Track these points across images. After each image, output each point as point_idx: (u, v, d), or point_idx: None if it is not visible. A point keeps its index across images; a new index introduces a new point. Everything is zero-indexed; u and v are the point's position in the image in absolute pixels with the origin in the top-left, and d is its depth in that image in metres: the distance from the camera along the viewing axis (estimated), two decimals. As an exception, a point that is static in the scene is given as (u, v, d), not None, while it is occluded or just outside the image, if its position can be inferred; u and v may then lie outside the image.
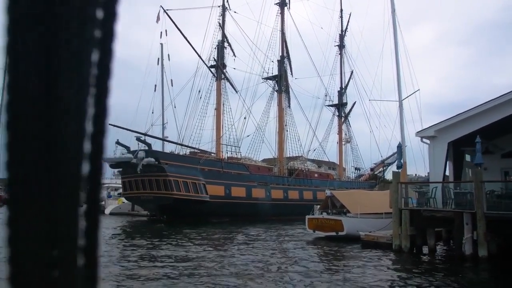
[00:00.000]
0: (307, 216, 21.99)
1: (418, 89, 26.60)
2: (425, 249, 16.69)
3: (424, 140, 17.83)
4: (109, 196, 44.68)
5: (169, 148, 38.85)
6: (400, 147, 17.65)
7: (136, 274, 11.51)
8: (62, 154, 0.51)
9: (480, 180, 14.70)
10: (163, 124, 43.17)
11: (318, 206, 22.85)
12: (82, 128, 0.52)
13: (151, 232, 23.86)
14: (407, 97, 26.94)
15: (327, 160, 54.22)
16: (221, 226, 27.61)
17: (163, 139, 38.08)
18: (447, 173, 18.81)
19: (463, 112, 17.14)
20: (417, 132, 17.92)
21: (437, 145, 17.45)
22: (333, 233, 20.24)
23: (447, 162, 17.82)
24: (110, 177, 67.83)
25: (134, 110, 59.45)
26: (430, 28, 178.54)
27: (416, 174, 56.02)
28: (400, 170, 17.58)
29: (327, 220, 20.90)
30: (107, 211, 39.88)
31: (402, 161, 17.54)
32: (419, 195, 18.09)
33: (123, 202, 40.34)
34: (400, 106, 27.31)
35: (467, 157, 20.60)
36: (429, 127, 17.52)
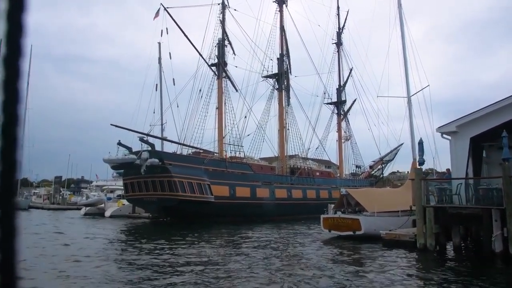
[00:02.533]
0: (322, 216, 21.49)
1: (428, 85, 26.27)
2: (449, 247, 16.37)
3: (445, 136, 17.47)
4: (108, 199, 43.73)
5: (170, 148, 38.11)
6: (421, 144, 17.25)
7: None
8: None
9: (509, 175, 14.36)
10: (161, 124, 42.36)
11: (333, 205, 22.38)
12: None
13: (161, 234, 23.15)
14: (416, 93, 26.65)
15: (324, 158, 53.80)
16: (228, 226, 27.00)
17: (166, 139, 37.27)
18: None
19: (484, 107, 16.81)
20: (438, 127, 17.55)
21: (458, 140, 17.11)
22: (350, 233, 19.79)
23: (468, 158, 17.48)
24: (106, 179, 66.78)
25: (131, 111, 58.21)
26: (420, 26, 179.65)
27: (408, 172, 55.78)
28: (422, 167, 17.21)
29: (344, 219, 20.43)
30: (107, 213, 39.04)
31: (423, 157, 17.07)
32: (438, 192, 17.72)
33: (123, 204, 39.52)
34: (409, 102, 27.01)
35: (484, 153, 20.31)
36: (450, 122, 17.17)
